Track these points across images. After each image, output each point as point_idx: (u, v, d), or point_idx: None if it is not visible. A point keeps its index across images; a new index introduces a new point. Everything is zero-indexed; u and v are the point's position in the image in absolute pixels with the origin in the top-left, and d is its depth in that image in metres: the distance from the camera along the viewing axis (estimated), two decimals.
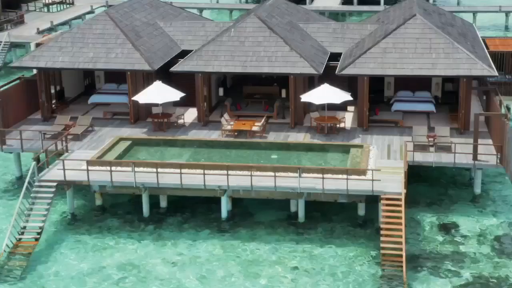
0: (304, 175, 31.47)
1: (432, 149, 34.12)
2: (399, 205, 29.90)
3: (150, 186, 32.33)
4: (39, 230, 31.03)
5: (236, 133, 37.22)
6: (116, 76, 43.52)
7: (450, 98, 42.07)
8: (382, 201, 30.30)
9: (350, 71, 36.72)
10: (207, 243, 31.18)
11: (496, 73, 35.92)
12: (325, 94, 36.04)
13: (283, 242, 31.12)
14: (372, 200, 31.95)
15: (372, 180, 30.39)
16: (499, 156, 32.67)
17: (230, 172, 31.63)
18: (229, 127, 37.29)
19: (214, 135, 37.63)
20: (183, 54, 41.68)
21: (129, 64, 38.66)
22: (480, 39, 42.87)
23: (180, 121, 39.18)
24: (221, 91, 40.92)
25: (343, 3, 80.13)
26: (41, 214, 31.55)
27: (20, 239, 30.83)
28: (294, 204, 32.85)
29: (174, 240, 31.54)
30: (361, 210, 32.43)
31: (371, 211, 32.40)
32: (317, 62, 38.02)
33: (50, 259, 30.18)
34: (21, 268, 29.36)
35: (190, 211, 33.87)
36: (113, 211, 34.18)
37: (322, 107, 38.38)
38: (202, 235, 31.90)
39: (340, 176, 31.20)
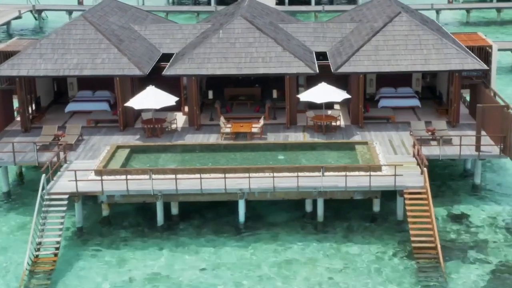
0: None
1: (434, 142, 34.97)
2: (423, 199, 30.48)
3: (166, 193, 31.49)
4: (57, 245, 29.61)
5: (234, 136, 36.78)
6: (90, 83, 42.04)
7: (426, 92, 43.31)
8: (405, 196, 30.79)
9: (346, 69, 37.05)
10: (231, 247, 30.69)
11: (486, 67, 37.28)
12: (324, 93, 36.23)
13: (307, 242, 31.04)
14: (386, 195, 32.43)
15: (395, 175, 30.84)
16: (501, 146, 33.87)
17: (251, 174, 31.24)
18: (227, 130, 36.81)
19: (211, 138, 37.03)
20: (164, 57, 40.78)
21: (118, 70, 37.38)
22: (450, 34, 44.25)
23: (173, 126, 38.33)
24: (210, 94, 40.30)
25: (276, 4, 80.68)
26: (56, 228, 30.10)
27: (37, 255, 29.30)
28: (309, 203, 32.83)
29: (195, 246, 30.85)
30: (376, 206, 32.73)
31: (383, 206, 32.88)
32: (310, 61, 38.16)
33: (72, 275, 28.81)
34: (46, 286, 27.94)
35: (201, 216, 33.24)
36: (122, 221, 33.04)
37: (310, 105, 38.61)
38: (223, 239, 31.36)
39: (358, 173, 31.56)
